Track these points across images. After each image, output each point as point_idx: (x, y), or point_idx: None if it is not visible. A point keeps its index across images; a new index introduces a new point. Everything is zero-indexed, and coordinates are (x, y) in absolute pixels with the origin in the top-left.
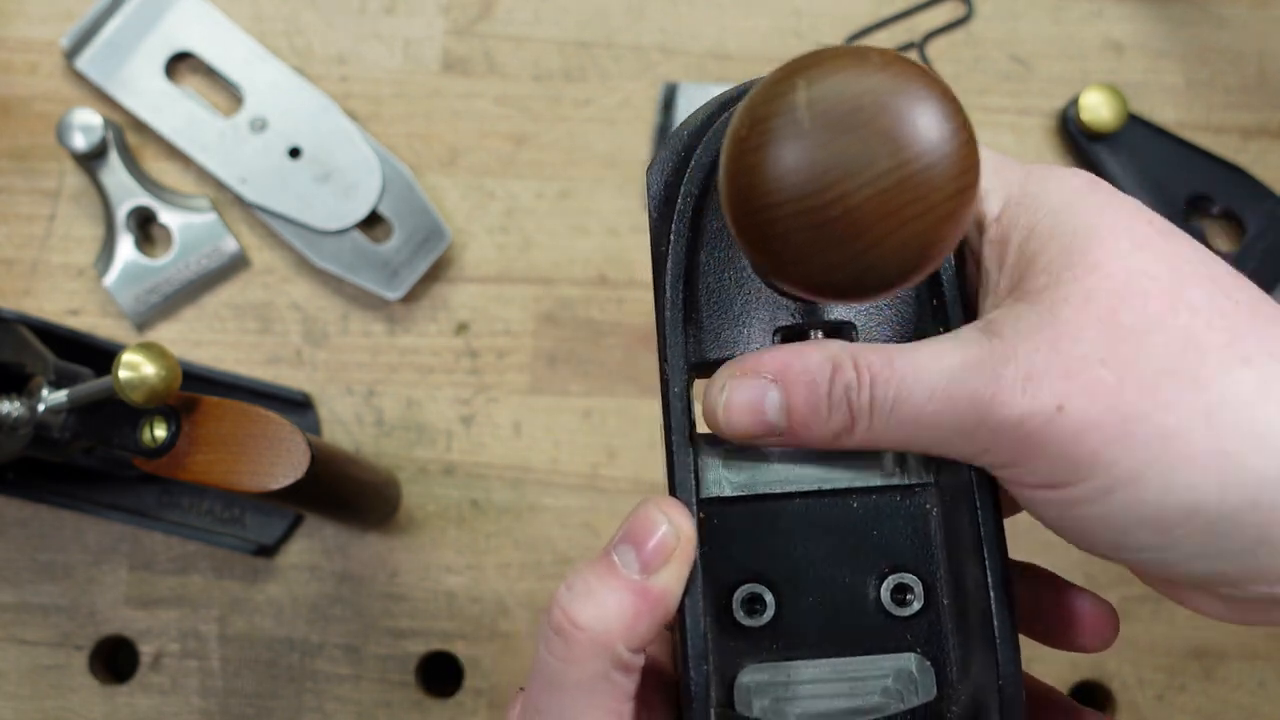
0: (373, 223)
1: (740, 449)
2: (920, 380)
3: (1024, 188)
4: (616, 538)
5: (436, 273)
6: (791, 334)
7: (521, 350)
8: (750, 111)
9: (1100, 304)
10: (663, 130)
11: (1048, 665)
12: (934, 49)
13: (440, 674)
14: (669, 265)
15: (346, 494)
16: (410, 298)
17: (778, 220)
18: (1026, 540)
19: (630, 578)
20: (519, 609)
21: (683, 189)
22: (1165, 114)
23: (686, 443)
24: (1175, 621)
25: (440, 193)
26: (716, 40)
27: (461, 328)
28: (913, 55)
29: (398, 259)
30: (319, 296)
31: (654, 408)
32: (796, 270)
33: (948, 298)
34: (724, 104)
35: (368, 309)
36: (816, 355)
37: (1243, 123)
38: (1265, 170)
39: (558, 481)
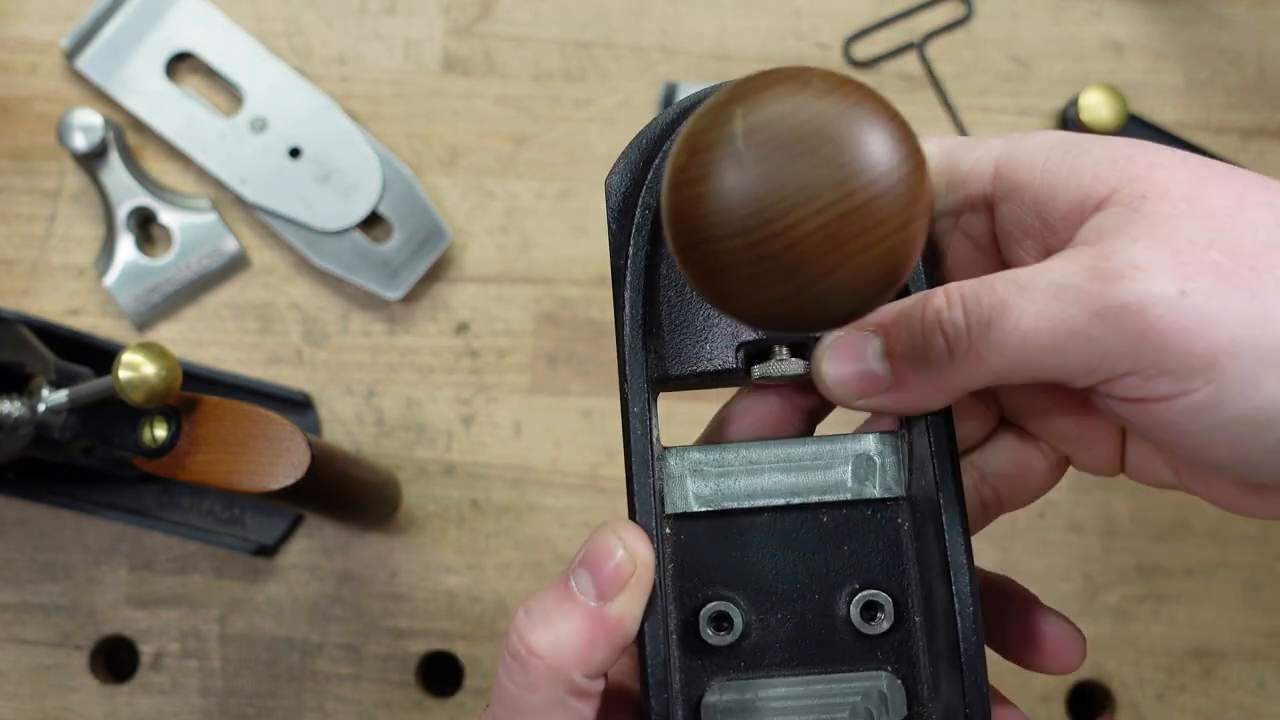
0: (373, 223)
1: (708, 458)
2: (1020, 288)
3: (1012, 156)
4: (574, 562)
5: (436, 273)
6: (755, 350)
7: (521, 350)
8: (689, 141)
9: (1180, 196)
10: None
11: None
12: (934, 49)
13: (440, 674)
14: (628, 280)
15: (346, 494)
16: (410, 298)
17: (721, 254)
18: (1025, 540)
19: (586, 604)
20: (519, 609)
21: (641, 200)
22: (1165, 114)
23: (647, 464)
24: (1175, 621)
25: (440, 193)
26: (716, 40)
27: (461, 328)
28: (912, 55)
29: (398, 259)
30: (319, 296)
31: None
32: (742, 303)
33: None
34: (685, 111)
35: (368, 309)
36: (910, 298)
37: (1243, 123)
38: (1265, 170)
39: (558, 481)
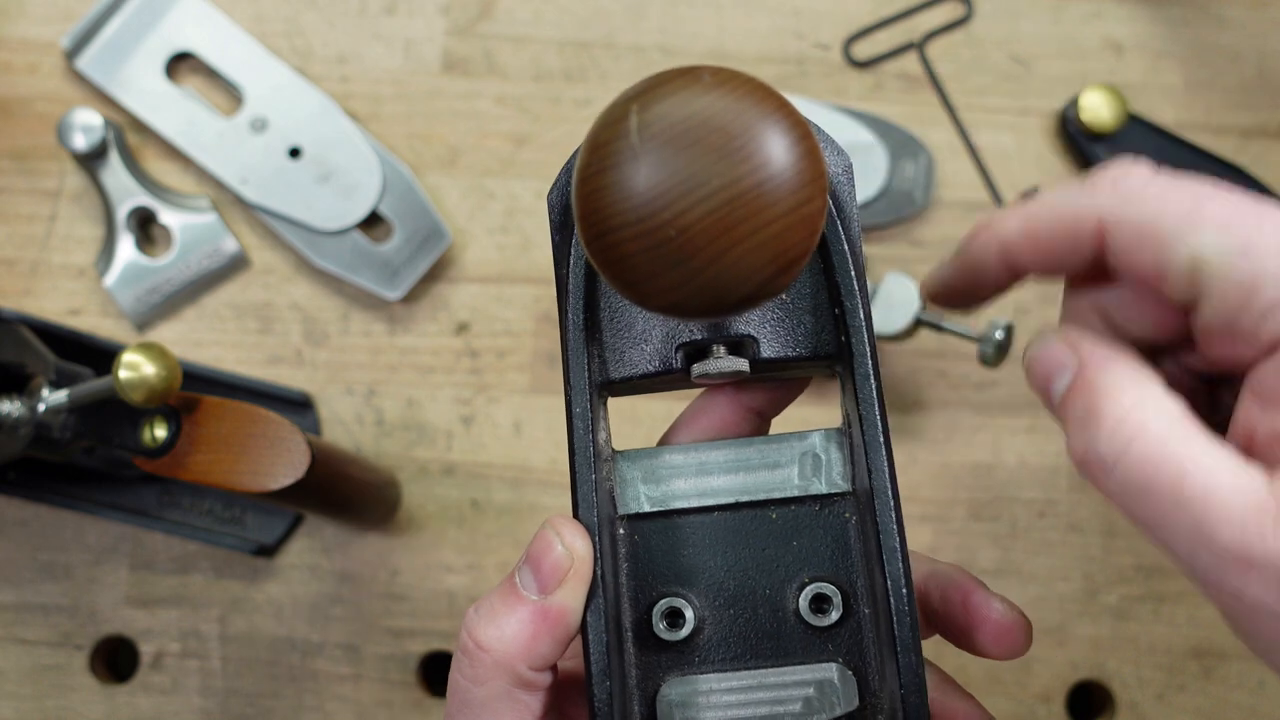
0: (373, 223)
1: (658, 460)
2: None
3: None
4: (520, 560)
5: (437, 273)
6: (694, 350)
7: (521, 350)
8: (590, 139)
9: None
10: None
11: (1048, 666)
12: (934, 49)
13: (440, 674)
14: (569, 287)
15: (346, 494)
16: (410, 298)
17: (620, 243)
18: (1025, 540)
19: (529, 599)
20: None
21: None
22: (1165, 114)
23: (590, 464)
24: (1175, 621)
25: (440, 193)
26: (716, 40)
27: (462, 328)
28: (912, 55)
29: (398, 259)
30: (319, 296)
31: (653, 406)
32: (643, 290)
33: (847, 307)
34: None
35: (368, 309)
36: (1130, 390)
37: (1242, 123)
38: (1265, 170)
39: (558, 481)
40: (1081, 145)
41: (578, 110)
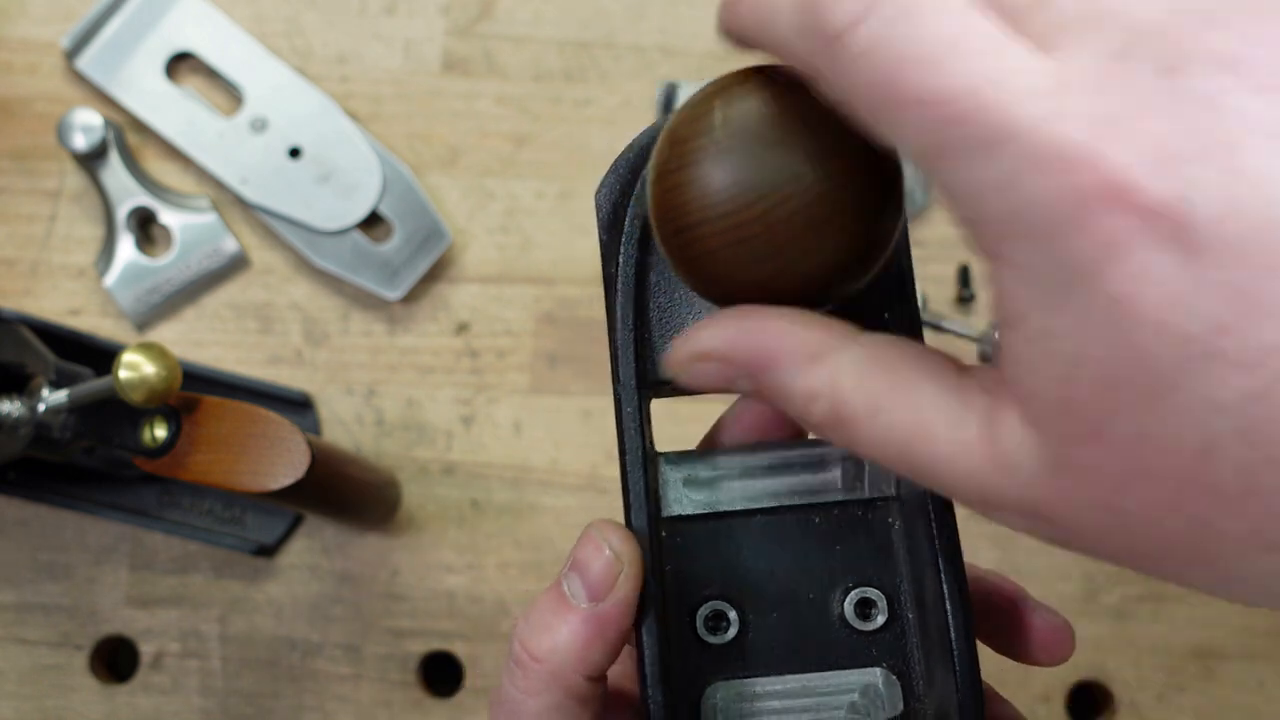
0: (373, 223)
1: (701, 463)
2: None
3: None
4: (565, 566)
5: (437, 273)
6: None
7: (522, 350)
8: (670, 134)
9: None
10: None
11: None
12: None
13: (440, 674)
14: (619, 285)
15: (346, 494)
16: (410, 298)
17: (702, 239)
18: (1025, 540)
19: (579, 607)
20: (519, 609)
21: (630, 210)
22: None
23: (640, 464)
24: (1175, 621)
25: (440, 193)
26: (716, 40)
27: (462, 328)
28: None
29: (398, 259)
30: (319, 296)
31: (653, 407)
32: (722, 288)
33: (899, 312)
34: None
35: (368, 309)
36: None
37: None
38: None
39: (558, 481)
40: None
41: (578, 110)
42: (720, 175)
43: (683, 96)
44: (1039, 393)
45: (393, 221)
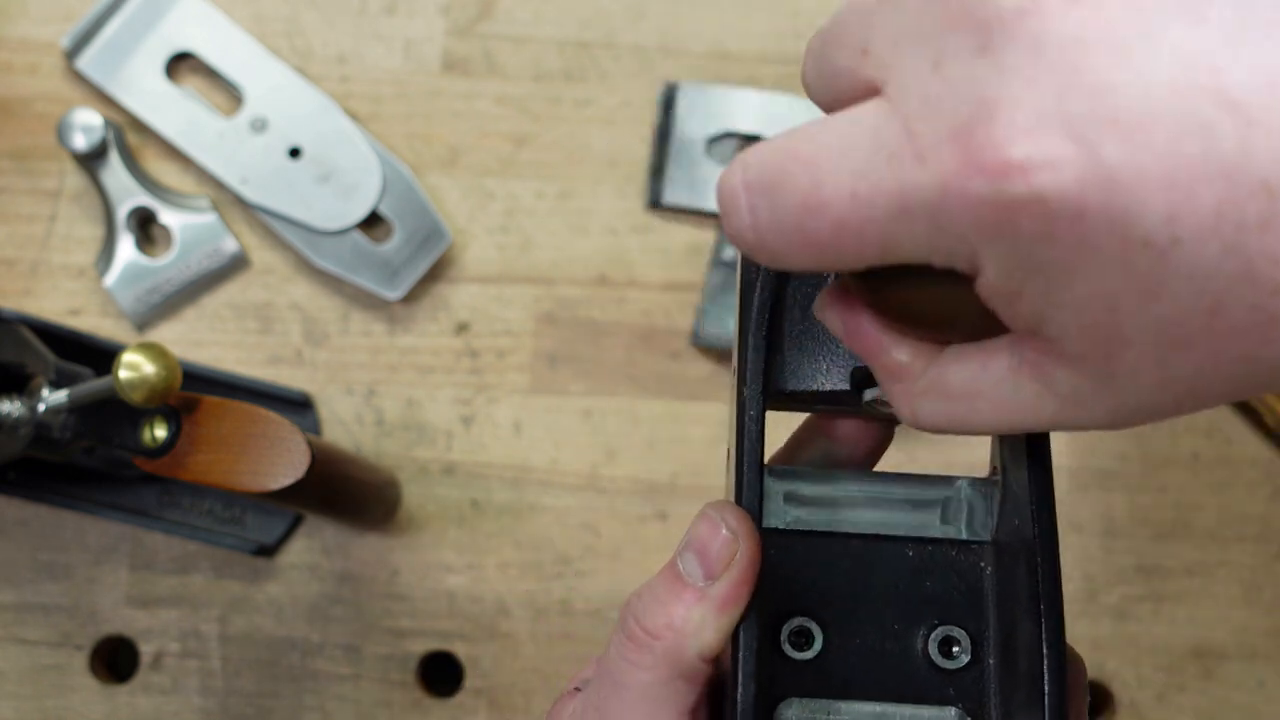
0: (373, 223)
1: (804, 479)
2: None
3: None
4: (680, 545)
5: (437, 273)
6: (866, 375)
7: (521, 350)
8: None
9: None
10: (663, 130)
11: None
12: None
13: (440, 674)
14: (757, 291)
15: (346, 494)
16: (410, 298)
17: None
18: None
19: (695, 585)
20: (519, 609)
21: None
22: None
23: (757, 469)
24: (1175, 621)
25: (440, 193)
26: (716, 40)
27: (461, 328)
28: None
29: (398, 259)
30: (319, 296)
31: (654, 407)
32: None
33: None
34: None
35: (368, 309)
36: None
37: None
38: None
39: (558, 481)
40: None
41: (578, 110)
42: None
43: (683, 96)
44: (1060, 341)
45: (393, 221)
